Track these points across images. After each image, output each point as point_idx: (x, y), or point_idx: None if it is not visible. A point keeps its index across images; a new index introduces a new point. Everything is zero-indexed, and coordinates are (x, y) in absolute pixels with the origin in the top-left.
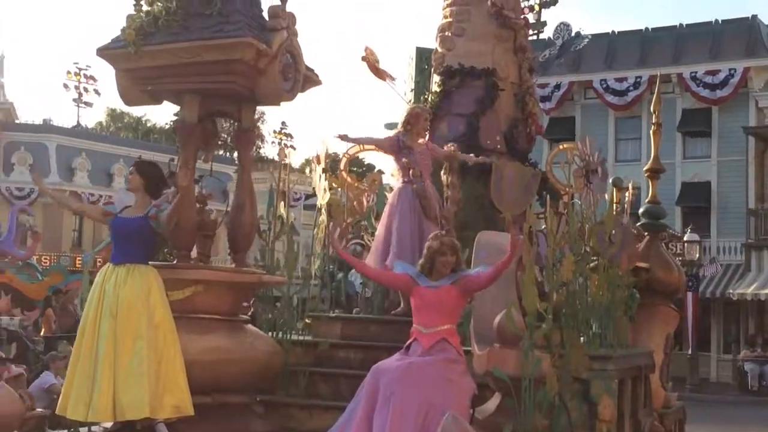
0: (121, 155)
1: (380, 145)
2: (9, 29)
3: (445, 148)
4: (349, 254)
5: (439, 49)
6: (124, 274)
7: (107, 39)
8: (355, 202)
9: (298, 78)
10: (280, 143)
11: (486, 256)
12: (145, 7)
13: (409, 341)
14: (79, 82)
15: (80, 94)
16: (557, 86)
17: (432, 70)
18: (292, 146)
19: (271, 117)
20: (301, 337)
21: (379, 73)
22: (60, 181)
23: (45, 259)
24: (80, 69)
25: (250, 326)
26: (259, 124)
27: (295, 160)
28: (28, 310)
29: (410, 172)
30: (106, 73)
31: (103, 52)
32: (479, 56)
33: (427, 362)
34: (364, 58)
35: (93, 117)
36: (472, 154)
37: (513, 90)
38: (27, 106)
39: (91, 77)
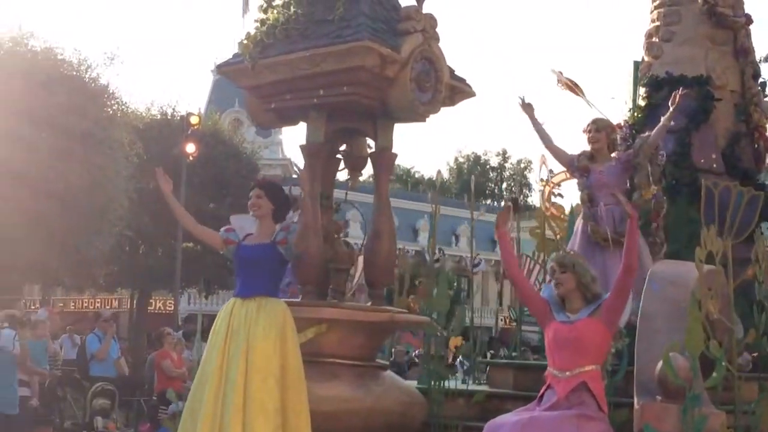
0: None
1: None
2: None
3: None
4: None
5: (646, 58)
6: (254, 309)
7: None
8: (558, 236)
9: (440, 88)
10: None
11: (658, 289)
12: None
13: (542, 389)
14: None
15: None
16: None
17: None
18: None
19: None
20: (464, 386)
21: (575, 89)
22: None
23: None
24: None
25: (387, 373)
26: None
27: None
28: None
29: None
30: None
31: (222, 69)
32: (690, 62)
33: (552, 418)
34: (554, 71)
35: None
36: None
37: (733, 100)
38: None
39: None
